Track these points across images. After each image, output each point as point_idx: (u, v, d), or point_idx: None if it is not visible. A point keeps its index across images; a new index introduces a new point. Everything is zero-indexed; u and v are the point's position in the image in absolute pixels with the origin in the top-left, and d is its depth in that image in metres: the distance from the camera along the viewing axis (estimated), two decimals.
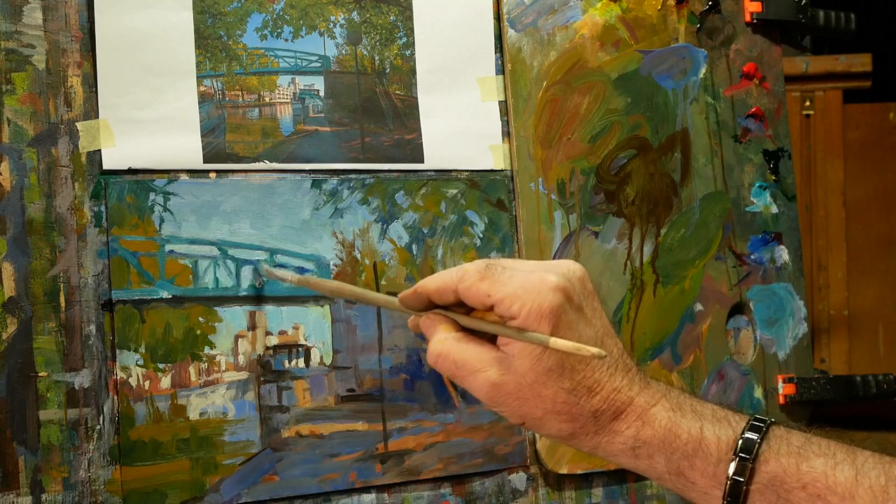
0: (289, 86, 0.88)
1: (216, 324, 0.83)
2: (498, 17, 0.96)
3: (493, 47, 0.96)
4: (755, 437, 0.64)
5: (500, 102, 0.96)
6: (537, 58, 0.96)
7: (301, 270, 0.86)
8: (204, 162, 0.84)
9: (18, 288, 0.77)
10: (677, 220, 1.01)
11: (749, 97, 1.07)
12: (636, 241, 0.99)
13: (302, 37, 0.89)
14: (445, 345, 0.67)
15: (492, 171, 0.95)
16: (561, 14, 0.98)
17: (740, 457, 0.64)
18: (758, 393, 1.04)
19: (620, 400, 0.66)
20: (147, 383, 0.80)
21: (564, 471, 0.93)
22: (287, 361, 0.85)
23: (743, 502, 0.64)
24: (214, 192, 0.84)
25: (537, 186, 0.95)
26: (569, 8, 0.98)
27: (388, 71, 0.92)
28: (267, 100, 0.87)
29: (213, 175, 0.84)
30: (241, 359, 0.84)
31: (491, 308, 0.65)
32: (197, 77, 0.84)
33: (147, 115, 0.82)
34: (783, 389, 1.04)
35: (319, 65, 0.89)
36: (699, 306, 1.02)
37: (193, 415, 0.81)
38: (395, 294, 0.71)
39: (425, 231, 0.91)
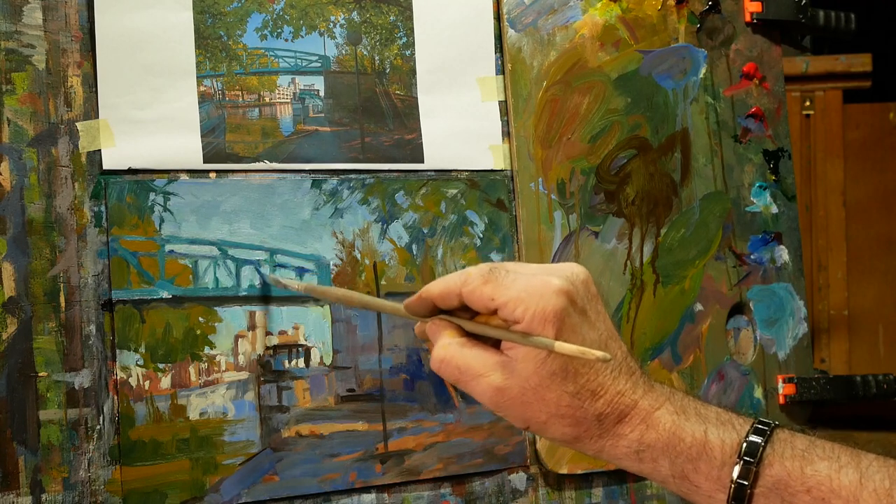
0: (289, 86, 0.88)
1: (216, 324, 0.83)
2: (498, 17, 0.96)
3: (493, 47, 0.96)
4: (759, 441, 0.64)
5: (500, 102, 0.96)
6: (537, 58, 0.96)
7: (301, 270, 0.86)
8: (204, 162, 0.84)
9: (18, 288, 0.77)
10: (677, 220, 1.01)
11: (749, 97, 1.07)
12: (636, 241, 0.99)
13: (302, 37, 0.89)
14: (448, 350, 0.66)
15: (492, 171, 0.95)
16: (561, 14, 0.98)
17: (744, 460, 0.64)
18: (758, 393, 1.04)
19: (624, 403, 0.66)
20: (147, 383, 0.80)
21: (564, 471, 0.93)
22: (287, 361, 0.85)
23: None
24: (214, 192, 0.84)
25: (537, 186, 0.95)
26: (569, 8, 0.98)
27: (388, 71, 0.92)
28: (267, 100, 0.87)
29: (213, 175, 0.84)
30: (241, 359, 0.84)
31: (494, 312, 0.65)
32: (197, 77, 0.84)
33: (147, 115, 0.82)
34: (783, 389, 1.04)
35: (319, 65, 0.89)
36: (699, 306, 1.02)
37: (193, 415, 0.81)
38: (399, 297, 0.71)
39: (425, 231, 0.91)
